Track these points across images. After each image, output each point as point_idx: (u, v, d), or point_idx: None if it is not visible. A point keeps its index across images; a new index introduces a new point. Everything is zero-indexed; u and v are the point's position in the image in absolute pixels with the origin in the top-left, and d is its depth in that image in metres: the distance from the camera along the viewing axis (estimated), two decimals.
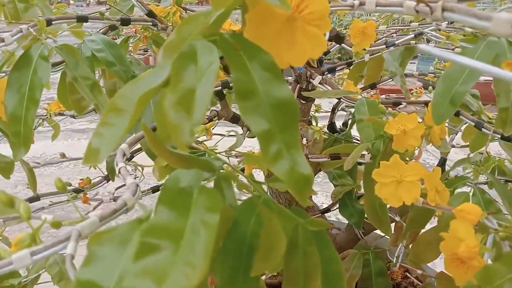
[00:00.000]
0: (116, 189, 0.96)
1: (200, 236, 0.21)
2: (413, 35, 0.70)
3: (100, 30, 0.78)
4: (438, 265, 1.00)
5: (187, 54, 0.23)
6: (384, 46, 0.71)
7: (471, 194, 0.55)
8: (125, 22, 0.65)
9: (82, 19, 0.59)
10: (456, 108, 0.47)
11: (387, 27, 0.71)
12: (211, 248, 0.20)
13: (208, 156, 0.41)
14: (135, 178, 0.86)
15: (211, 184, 0.37)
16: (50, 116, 1.02)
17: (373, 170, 0.51)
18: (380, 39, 0.77)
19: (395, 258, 0.70)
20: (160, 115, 0.29)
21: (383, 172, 0.50)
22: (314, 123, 1.15)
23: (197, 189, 0.25)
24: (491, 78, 1.01)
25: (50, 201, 0.93)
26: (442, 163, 0.96)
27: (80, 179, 0.73)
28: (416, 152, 0.88)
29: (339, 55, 4.25)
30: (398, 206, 0.49)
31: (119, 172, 0.42)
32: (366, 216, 0.63)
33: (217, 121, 0.75)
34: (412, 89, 1.26)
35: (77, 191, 0.72)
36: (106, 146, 0.28)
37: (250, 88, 0.23)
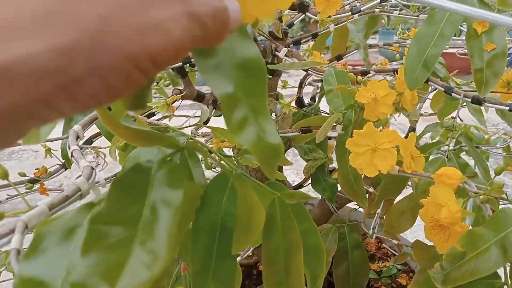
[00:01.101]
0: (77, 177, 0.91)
1: (161, 218, 0.18)
2: (378, 0, 0.68)
3: None
4: (409, 236, 1.01)
5: None
6: (350, 13, 0.69)
7: (446, 159, 0.54)
8: None
9: None
10: (430, 71, 0.45)
11: None
12: (176, 230, 0.17)
13: (171, 132, 0.37)
14: (96, 166, 0.81)
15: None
16: None
17: (346, 140, 0.48)
18: (343, 6, 0.74)
19: (371, 230, 0.69)
20: None
21: (357, 141, 0.48)
22: (280, 99, 1.12)
23: (156, 164, 0.21)
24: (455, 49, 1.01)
25: (8, 195, 0.87)
26: (411, 130, 0.95)
27: (35, 169, 0.67)
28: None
29: (302, 32, 4.22)
30: (373, 175, 0.47)
31: (72, 156, 0.38)
32: (340, 189, 0.61)
33: (180, 100, 0.71)
34: (376, 62, 1.25)
35: (32, 181, 0.66)
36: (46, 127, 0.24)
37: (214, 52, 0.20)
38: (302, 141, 0.70)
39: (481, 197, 0.39)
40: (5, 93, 0.13)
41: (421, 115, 0.97)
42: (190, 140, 0.34)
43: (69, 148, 0.39)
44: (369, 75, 0.72)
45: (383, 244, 1.10)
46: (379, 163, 0.47)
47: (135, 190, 0.19)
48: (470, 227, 0.41)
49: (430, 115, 0.97)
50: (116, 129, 0.29)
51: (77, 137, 0.42)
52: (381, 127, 0.60)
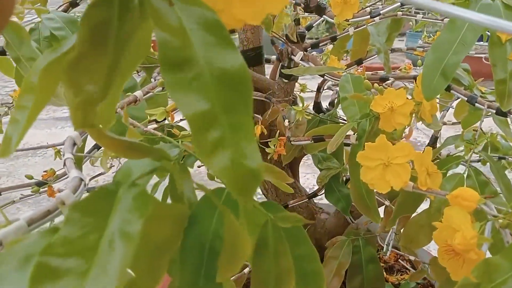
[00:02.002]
0: (90, 179, 0.91)
1: (117, 251, 0.16)
2: (399, 3, 0.65)
3: (59, 7, 0.71)
4: (432, 248, 0.97)
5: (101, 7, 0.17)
6: (369, 17, 0.66)
7: (465, 175, 0.50)
8: None
9: None
10: (448, 81, 0.42)
11: None
12: (126, 266, 0.15)
13: (165, 142, 0.35)
14: (110, 167, 0.80)
15: None
16: None
17: (358, 153, 0.46)
18: (364, 8, 0.71)
19: (385, 246, 0.66)
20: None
21: (369, 154, 0.45)
22: (300, 104, 1.10)
23: (125, 187, 0.19)
24: (482, 53, 0.96)
25: (21, 194, 0.87)
26: (433, 141, 0.91)
27: (44, 171, 0.67)
28: (407, 130, 0.83)
29: (327, 34, 4.16)
30: (385, 192, 0.44)
31: (65, 164, 0.37)
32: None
33: None
34: (400, 66, 1.21)
35: (39, 184, 0.66)
36: (17, 133, 0.22)
37: (185, 55, 0.18)
38: (315, 150, 0.68)
39: (500, 221, 0.36)
40: None
41: (444, 123, 0.93)
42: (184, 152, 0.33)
43: (63, 156, 0.38)
44: (388, 81, 0.69)
45: (400, 260, 1.05)
46: (391, 179, 0.44)
47: (97, 217, 0.18)
48: (488, 253, 0.37)
49: (453, 124, 0.93)
50: (101, 139, 0.27)
51: (74, 144, 0.41)
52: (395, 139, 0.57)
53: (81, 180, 0.33)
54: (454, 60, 0.42)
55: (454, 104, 0.80)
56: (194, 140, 0.17)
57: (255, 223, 0.28)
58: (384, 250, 0.66)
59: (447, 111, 0.89)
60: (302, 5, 0.67)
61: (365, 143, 0.46)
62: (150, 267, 0.27)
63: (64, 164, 0.37)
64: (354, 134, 0.59)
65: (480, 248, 0.35)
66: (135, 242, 0.16)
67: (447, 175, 0.52)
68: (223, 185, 0.31)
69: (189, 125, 0.17)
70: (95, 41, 0.17)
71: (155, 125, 0.53)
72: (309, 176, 2.06)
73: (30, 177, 0.67)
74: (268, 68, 0.94)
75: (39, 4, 0.85)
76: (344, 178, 0.76)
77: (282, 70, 0.73)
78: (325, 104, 1.08)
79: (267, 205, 0.29)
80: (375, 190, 0.51)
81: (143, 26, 0.20)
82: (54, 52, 0.19)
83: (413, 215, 0.70)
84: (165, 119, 0.46)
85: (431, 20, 0.82)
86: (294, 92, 1.08)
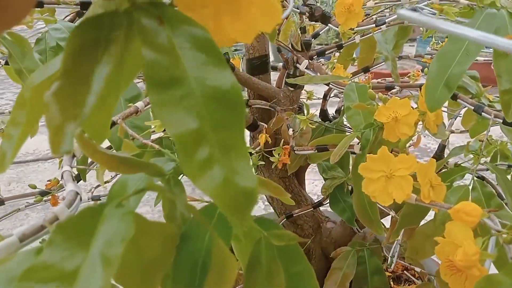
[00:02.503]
0: (95, 188, 0.91)
1: (96, 277, 0.15)
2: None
3: (66, 17, 0.71)
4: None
5: (88, 27, 0.17)
6: (374, 25, 0.65)
7: (470, 187, 0.49)
8: (86, 6, 0.59)
9: (37, 4, 0.53)
10: (452, 91, 0.41)
11: (375, 3, 0.65)
12: None
13: (161, 156, 0.35)
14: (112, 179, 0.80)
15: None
16: None
17: (359, 165, 0.45)
18: (369, 16, 0.70)
19: (389, 258, 0.64)
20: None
21: (371, 166, 0.45)
22: (305, 111, 1.09)
23: (111, 207, 0.19)
24: (491, 58, 0.95)
25: (27, 202, 0.88)
26: (441, 150, 0.90)
27: (48, 181, 0.67)
28: (415, 138, 0.82)
29: (337, 40, 4.15)
30: (387, 205, 0.43)
31: (62, 177, 0.36)
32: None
33: None
34: (409, 72, 1.19)
35: (43, 193, 0.66)
36: (11, 149, 0.22)
37: (174, 74, 0.18)
38: (318, 160, 0.67)
39: (504, 235, 0.35)
40: None
41: (452, 132, 0.91)
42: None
43: (61, 168, 0.38)
44: (393, 90, 0.68)
45: (407, 271, 1.04)
46: (394, 191, 0.43)
47: (79, 239, 0.17)
48: (492, 268, 0.36)
49: (461, 132, 0.91)
50: (94, 154, 0.27)
51: (73, 156, 0.41)
52: (405, 148, 0.56)
53: (77, 194, 0.33)
54: (458, 70, 0.42)
55: (462, 112, 0.79)
56: (181, 159, 0.17)
57: (251, 239, 0.28)
58: (388, 262, 0.65)
59: (455, 119, 0.88)
60: (307, 14, 0.67)
61: (367, 154, 0.45)
62: (142, 283, 0.27)
63: (62, 177, 0.37)
64: (358, 143, 0.58)
65: (483, 264, 0.34)
66: (114, 267, 0.16)
67: (453, 186, 0.51)
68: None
69: (176, 145, 0.17)
70: (80, 65, 0.17)
71: (157, 135, 0.53)
72: (317, 182, 2.04)
73: (34, 187, 0.67)
74: (275, 75, 0.94)
75: (47, 14, 0.86)
76: (350, 188, 0.75)
77: (286, 79, 0.73)
78: (332, 111, 1.08)
79: (261, 221, 0.28)
80: None
81: (133, 47, 0.20)
82: (45, 69, 0.19)
83: (419, 225, 0.69)
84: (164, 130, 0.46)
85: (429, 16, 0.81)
86: (301, 99, 1.08)
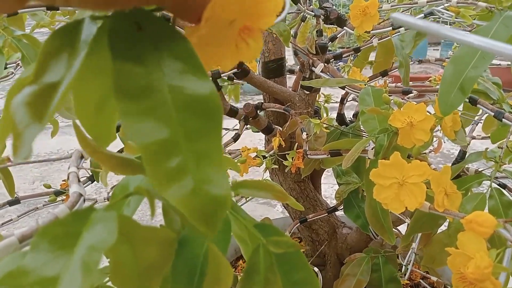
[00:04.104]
0: (112, 188, 0.92)
1: (74, 284, 0.15)
2: (422, 15, 0.62)
3: None
4: None
5: (64, 32, 0.17)
6: (391, 28, 0.64)
7: (487, 195, 0.47)
8: None
9: (52, 8, 0.53)
10: (466, 95, 0.40)
11: (392, 6, 0.63)
12: None
13: None
14: None
15: None
16: None
17: (371, 171, 0.44)
18: (385, 20, 0.69)
19: (403, 267, 0.63)
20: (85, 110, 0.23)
21: (383, 172, 0.43)
22: (325, 115, 1.08)
23: (99, 211, 0.19)
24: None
25: (45, 201, 0.89)
26: (461, 156, 0.87)
27: (63, 180, 0.68)
28: (435, 143, 0.80)
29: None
30: (400, 212, 0.42)
31: (68, 178, 0.37)
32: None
33: None
34: (431, 76, 1.17)
35: (57, 193, 0.67)
36: None
37: (146, 82, 0.17)
38: (332, 165, 0.66)
39: None
40: None
41: (473, 138, 0.89)
42: None
43: (69, 169, 0.38)
44: (410, 95, 0.66)
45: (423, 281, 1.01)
46: (406, 199, 0.42)
47: (63, 244, 0.17)
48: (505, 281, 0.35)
49: (483, 138, 0.89)
50: (94, 153, 0.27)
51: (81, 157, 0.41)
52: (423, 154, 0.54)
53: (80, 195, 0.33)
54: (473, 74, 0.40)
55: (484, 116, 0.77)
56: (148, 171, 0.16)
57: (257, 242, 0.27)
58: (403, 271, 0.64)
59: (477, 124, 0.85)
60: (322, 17, 0.66)
61: (379, 160, 0.44)
62: (140, 287, 0.27)
63: (68, 178, 0.37)
64: (372, 148, 0.57)
65: (497, 277, 0.33)
66: (93, 274, 0.15)
67: (470, 193, 0.50)
68: None
69: (142, 155, 0.16)
70: (51, 69, 0.17)
71: None
72: (336, 187, 2.02)
73: (48, 186, 0.68)
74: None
75: (67, 16, 0.88)
76: (364, 194, 0.73)
77: (301, 82, 0.72)
78: (350, 115, 1.06)
79: (261, 227, 0.27)
80: None
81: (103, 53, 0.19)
82: (21, 74, 0.18)
83: (436, 232, 0.67)
84: None
85: (459, 30, 0.78)
86: (319, 102, 1.07)
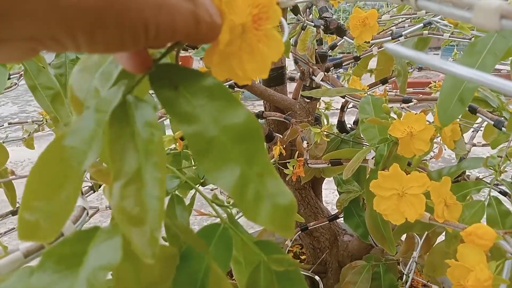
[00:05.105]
0: None
1: None
2: (421, 25, 0.63)
3: None
4: None
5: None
6: (390, 38, 0.64)
7: (486, 203, 0.47)
8: None
9: None
10: (466, 106, 0.40)
11: (391, 17, 0.64)
12: None
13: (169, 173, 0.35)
14: None
15: None
16: (46, 121, 0.99)
17: (371, 182, 0.44)
18: (385, 29, 0.69)
19: (404, 276, 0.63)
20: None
21: (382, 183, 0.44)
22: (324, 122, 1.08)
23: (103, 230, 0.19)
24: None
25: None
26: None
27: None
28: (436, 149, 0.80)
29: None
30: (399, 224, 0.42)
31: None
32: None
33: None
34: (431, 81, 1.17)
35: None
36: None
37: (208, 134, 0.19)
38: (332, 174, 0.66)
39: None
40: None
41: (474, 145, 0.89)
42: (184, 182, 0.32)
43: None
44: (410, 104, 0.66)
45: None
46: (406, 210, 0.42)
47: (69, 264, 0.17)
48: None
49: (483, 145, 0.89)
50: (101, 177, 0.27)
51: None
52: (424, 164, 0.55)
53: (84, 209, 0.33)
54: (472, 85, 0.40)
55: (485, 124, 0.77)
56: (238, 202, 0.18)
57: (251, 262, 0.27)
58: (403, 280, 0.64)
59: (477, 132, 0.85)
60: (322, 27, 0.66)
61: (379, 171, 0.44)
62: None
63: None
64: (373, 158, 0.57)
65: None
66: None
67: (468, 201, 0.50)
68: (217, 220, 0.31)
69: (231, 195, 0.18)
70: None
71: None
72: (337, 193, 2.02)
73: None
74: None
75: None
76: (365, 203, 0.74)
77: (301, 92, 0.72)
78: (350, 122, 1.06)
79: (262, 244, 0.28)
80: None
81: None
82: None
83: (438, 240, 0.67)
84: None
85: (458, 38, 0.79)
86: (320, 109, 1.07)
